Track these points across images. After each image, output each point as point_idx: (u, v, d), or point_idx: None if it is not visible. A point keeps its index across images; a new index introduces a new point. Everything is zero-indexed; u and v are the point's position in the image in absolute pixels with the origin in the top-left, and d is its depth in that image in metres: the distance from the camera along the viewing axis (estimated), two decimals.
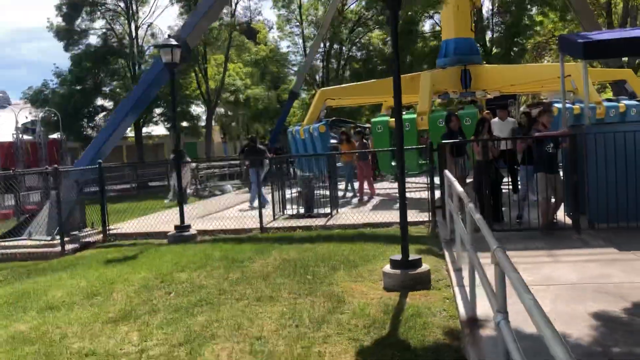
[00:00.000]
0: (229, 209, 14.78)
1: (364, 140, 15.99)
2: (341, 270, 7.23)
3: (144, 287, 7.08)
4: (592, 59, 12.89)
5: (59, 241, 10.78)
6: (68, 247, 10.63)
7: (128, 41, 32.25)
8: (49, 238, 11.02)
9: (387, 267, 6.62)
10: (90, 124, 31.99)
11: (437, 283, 6.46)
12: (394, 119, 14.18)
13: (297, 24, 37.00)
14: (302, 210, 12.40)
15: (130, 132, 34.67)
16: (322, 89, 16.59)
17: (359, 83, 20.15)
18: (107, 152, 12.70)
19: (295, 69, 37.11)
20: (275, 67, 36.74)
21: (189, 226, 11.02)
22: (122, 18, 32.94)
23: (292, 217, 12.29)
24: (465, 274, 5.71)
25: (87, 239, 11.28)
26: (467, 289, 5.35)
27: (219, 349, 4.92)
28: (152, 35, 33.11)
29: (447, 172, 7.87)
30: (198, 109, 35.48)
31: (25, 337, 5.56)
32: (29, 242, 10.92)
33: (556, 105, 12.90)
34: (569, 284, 5.64)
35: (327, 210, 12.24)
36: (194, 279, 7.31)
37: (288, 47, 40.23)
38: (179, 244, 10.42)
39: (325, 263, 7.60)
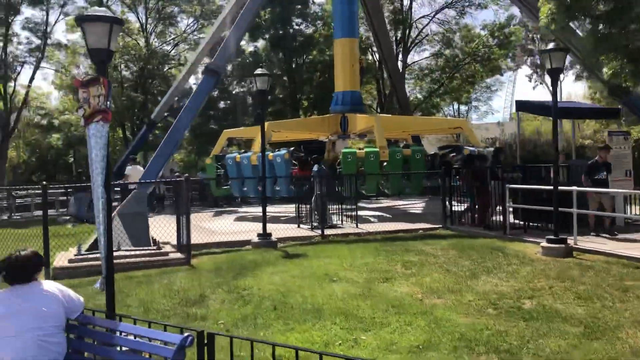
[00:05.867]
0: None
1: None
2: (498, 251, 10.50)
3: (396, 268, 9.16)
4: (562, 118, 16.70)
5: (167, 249, 10.95)
6: (177, 255, 10.90)
7: None
8: (153, 247, 10.92)
9: (544, 243, 10.32)
10: None
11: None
12: (361, 150, 17.54)
13: None
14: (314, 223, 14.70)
15: None
16: (269, 122, 18.67)
17: (298, 119, 22.50)
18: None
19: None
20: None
21: (270, 234, 12.37)
22: None
23: (314, 228, 14.43)
24: (592, 245, 10.13)
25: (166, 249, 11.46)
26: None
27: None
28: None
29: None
30: None
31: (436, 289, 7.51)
32: (134, 252, 10.61)
33: (467, 148, 18.23)
34: None
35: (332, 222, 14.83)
36: (422, 260, 9.63)
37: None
38: (266, 248, 11.78)
39: (470, 249, 10.72)
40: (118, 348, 4.61)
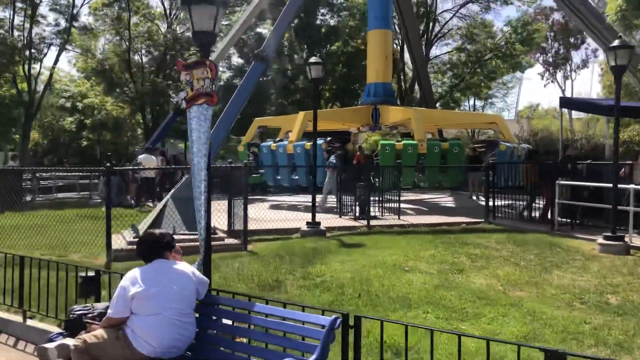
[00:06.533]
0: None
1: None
2: (555, 246, 10.49)
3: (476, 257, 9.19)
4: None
5: (222, 235, 11.01)
6: (233, 240, 10.97)
7: None
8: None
9: (601, 239, 10.32)
10: None
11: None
12: (399, 143, 17.50)
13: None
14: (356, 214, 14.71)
15: None
16: (305, 112, 18.68)
17: (331, 110, 22.54)
18: None
19: None
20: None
21: (319, 223, 12.40)
22: None
23: (357, 218, 14.44)
24: None
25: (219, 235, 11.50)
26: None
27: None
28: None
29: None
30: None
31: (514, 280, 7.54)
32: (192, 236, 10.62)
33: (503, 143, 18.20)
34: None
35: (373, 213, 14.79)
36: (485, 253, 9.65)
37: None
38: (316, 237, 11.79)
39: (526, 243, 10.71)
40: (248, 326, 4.65)
